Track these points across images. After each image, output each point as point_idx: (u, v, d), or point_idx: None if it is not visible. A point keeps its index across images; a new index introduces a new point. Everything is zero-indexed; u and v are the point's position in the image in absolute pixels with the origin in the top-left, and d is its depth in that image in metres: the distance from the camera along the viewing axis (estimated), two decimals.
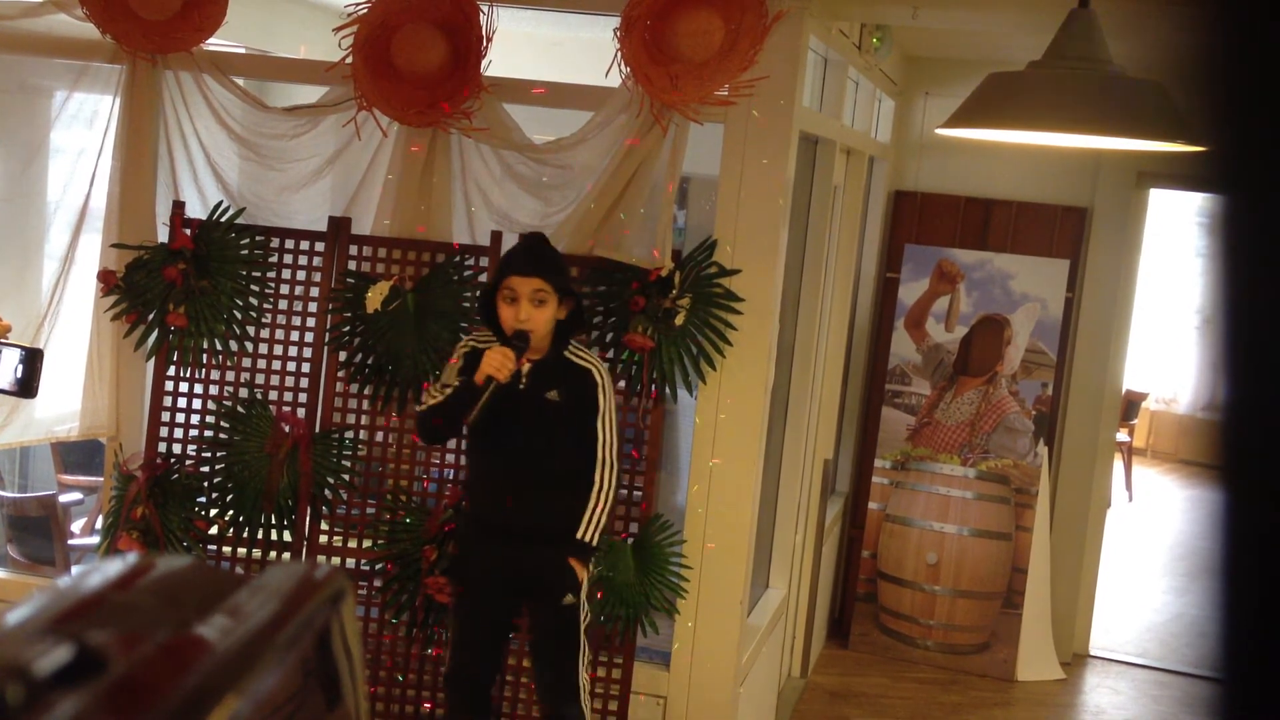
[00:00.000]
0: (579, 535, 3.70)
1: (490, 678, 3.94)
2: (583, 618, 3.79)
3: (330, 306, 4.32)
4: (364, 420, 4.35)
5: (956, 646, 6.36)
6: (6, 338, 3.99)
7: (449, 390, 3.69)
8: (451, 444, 4.27)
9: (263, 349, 4.38)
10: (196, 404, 4.40)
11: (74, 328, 4.49)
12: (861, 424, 6.65)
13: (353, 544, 4.36)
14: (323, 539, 4.36)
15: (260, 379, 4.37)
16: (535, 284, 3.64)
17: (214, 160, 4.43)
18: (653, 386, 4.16)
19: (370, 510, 4.34)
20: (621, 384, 4.16)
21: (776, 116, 4.12)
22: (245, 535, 4.34)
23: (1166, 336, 11.07)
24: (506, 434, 3.72)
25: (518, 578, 3.79)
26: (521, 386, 3.69)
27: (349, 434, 4.34)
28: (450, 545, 4.17)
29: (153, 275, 4.28)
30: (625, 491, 4.18)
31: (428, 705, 4.33)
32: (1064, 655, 6.53)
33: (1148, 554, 9.12)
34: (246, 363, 4.37)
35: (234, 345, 4.34)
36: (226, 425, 4.34)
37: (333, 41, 4.28)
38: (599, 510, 3.72)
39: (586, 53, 4.66)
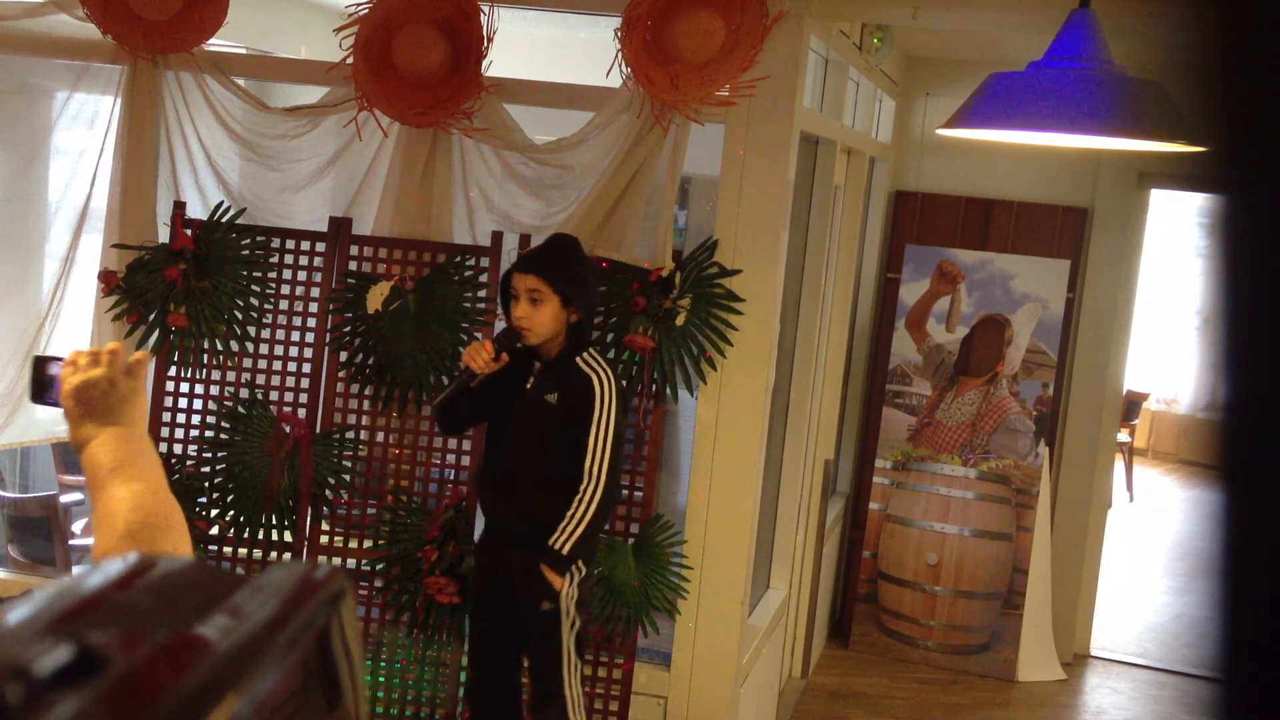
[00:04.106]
0: (550, 541, 3.65)
1: (504, 688, 3.91)
2: (567, 627, 3.73)
3: (331, 307, 4.32)
4: (365, 420, 4.35)
5: (957, 647, 6.35)
6: None
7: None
8: (452, 444, 4.28)
9: (263, 349, 4.38)
10: (197, 404, 4.40)
11: (75, 328, 4.49)
12: (862, 424, 6.65)
13: (353, 544, 4.36)
14: (323, 539, 4.36)
15: (261, 379, 4.37)
16: (529, 281, 3.66)
17: (215, 161, 4.43)
18: (653, 387, 4.16)
19: (371, 510, 4.34)
20: (622, 384, 4.16)
21: (777, 117, 4.12)
22: (246, 535, 4.34)
23: (1167, 337, 11.06)
24: (507, 434, 3.75)
25: (500, 579, 3.82)
26: (528, 386, 3.72)
27: (349, 434, 4.34)
28: (451, 545, 4.17)
29: (153, 275, 4.28)
30: (625, 492, 4.17)
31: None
32: (1064, 655, 6.53)
33: (1148, 554, 9.12)
34: (247, 363, 4.37)
35: (235, 345, 4.34)
36: (227, 425, 4.34)
37: (333, 42, 4.28)
38: (575, 521, 3.64)
39: (587, 53, 4.66)
